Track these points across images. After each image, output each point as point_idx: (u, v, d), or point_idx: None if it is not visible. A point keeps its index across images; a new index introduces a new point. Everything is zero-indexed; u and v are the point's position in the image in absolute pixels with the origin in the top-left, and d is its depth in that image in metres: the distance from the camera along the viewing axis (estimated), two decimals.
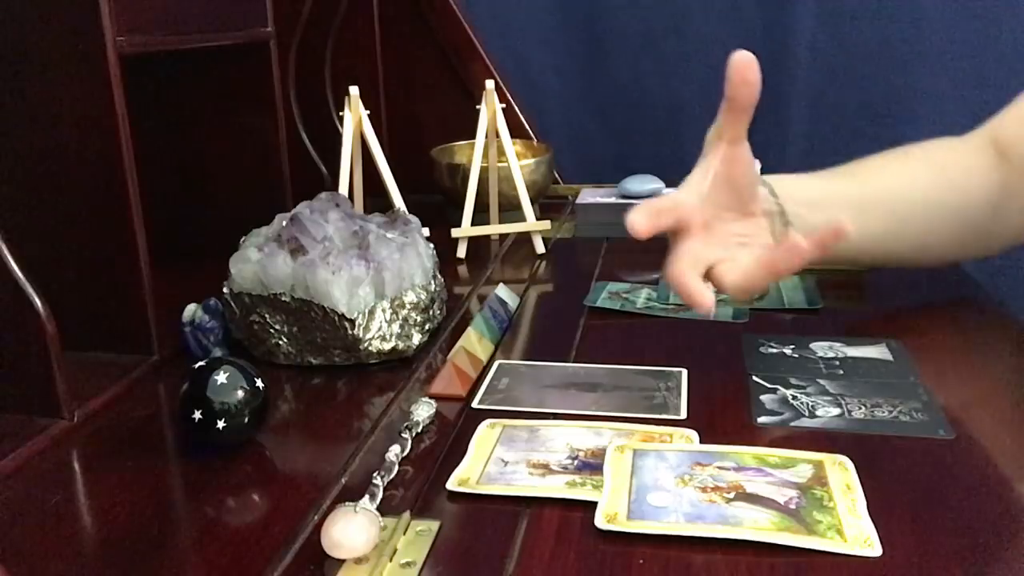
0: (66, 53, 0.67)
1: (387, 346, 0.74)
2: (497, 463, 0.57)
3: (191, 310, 0.76)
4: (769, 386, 0.68)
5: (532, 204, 1.08)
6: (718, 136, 0.68)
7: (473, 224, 1.04)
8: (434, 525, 0.51)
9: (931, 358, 0.73)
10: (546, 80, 1.47)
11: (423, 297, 0.77)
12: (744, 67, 0.64)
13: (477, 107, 1.03)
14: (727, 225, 0.68)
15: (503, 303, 0.85)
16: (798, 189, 0.74)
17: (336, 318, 0.71)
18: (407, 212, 0.86)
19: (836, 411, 0.64)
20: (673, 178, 1.19)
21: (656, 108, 1.44)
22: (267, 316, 0.74)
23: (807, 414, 0.63)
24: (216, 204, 0.98)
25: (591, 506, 0.52)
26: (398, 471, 0.56)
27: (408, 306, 0.75)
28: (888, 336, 0.77)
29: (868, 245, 0.78)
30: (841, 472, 0.55)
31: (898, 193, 0.80)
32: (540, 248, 1.06)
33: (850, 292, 0.92)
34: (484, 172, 1.05)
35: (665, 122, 1.44)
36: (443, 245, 0.93)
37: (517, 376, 0.72)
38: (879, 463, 0.57)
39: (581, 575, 0.47)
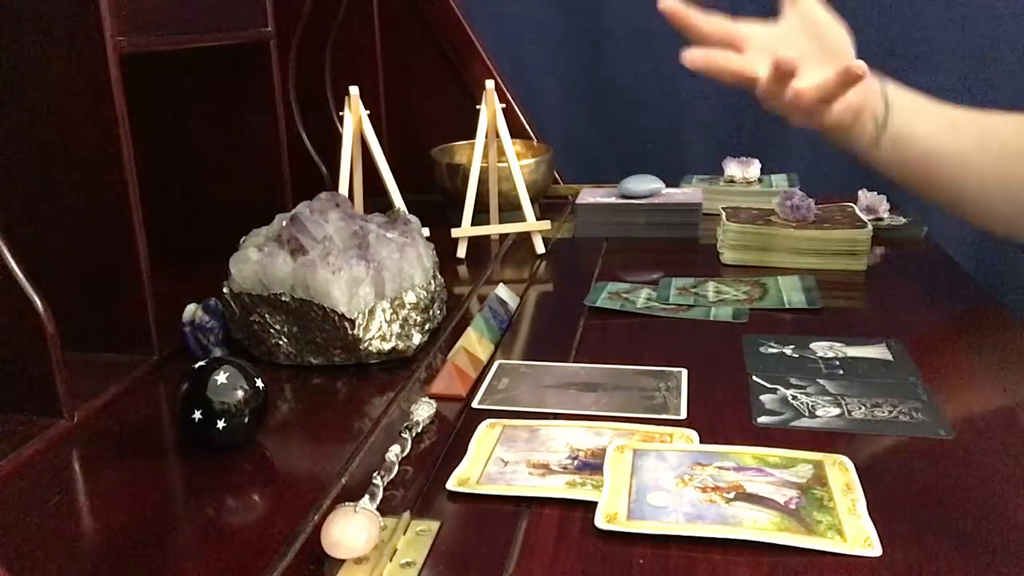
0: (66, 53, 0.67)
1: (387, 346, 0.74)
2: (497, 463, 0.57)
3: (191, 310, 0.76)
4: (769, 386, 0.68)
5: (532, 204, 1.08)
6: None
7: (473, 224, 1.04)
8: (434, 525, 0.51)
9: (931, 358, 0.73)
10: (546, 80, 1.47)
11: (423, 297, 0.77)
12: None
13: (477, 107, 1.03)
14: (808, 67, 0.75)
15: (503, 303, 0.85)
16: (906, 96, 0.82)
17: (336, 318, 0.71)
18: (407, 212, 0.86)
19: (836, 411, 0.64)
20: (673, 178, 1.20)
21: (656, 108, 1.44)
22: (267, 316, 0.74)
23: (807, 414, 0.63)
24: (216, 204, 0.98)
25: (591, 506, 0.52)
26: (398, 471, 0.56)
27: (408, 306, 0.75)
28: (888, 336, 0.77)
29: (957, 164, 0.80)
30: (841, 472, 0.55)
31: (995, 129, 0.81)
32: (540, 248, 1.06)
33: (850, 292, 0.92)
34: (484, 172, 1.05)
35: (665, 122, 1.44)
36: (443, 245, 0.93)
37: (517, 376, 0.72)
38: (879, 463, 0.57)
39: (581, 575, 0.47)
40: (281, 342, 0.74)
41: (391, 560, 0.48)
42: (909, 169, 0.82)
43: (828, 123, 0.78)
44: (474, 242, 1.06)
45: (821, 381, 0.69)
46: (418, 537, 0.50)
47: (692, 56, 0.72)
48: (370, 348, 0.73)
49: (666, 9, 0.73)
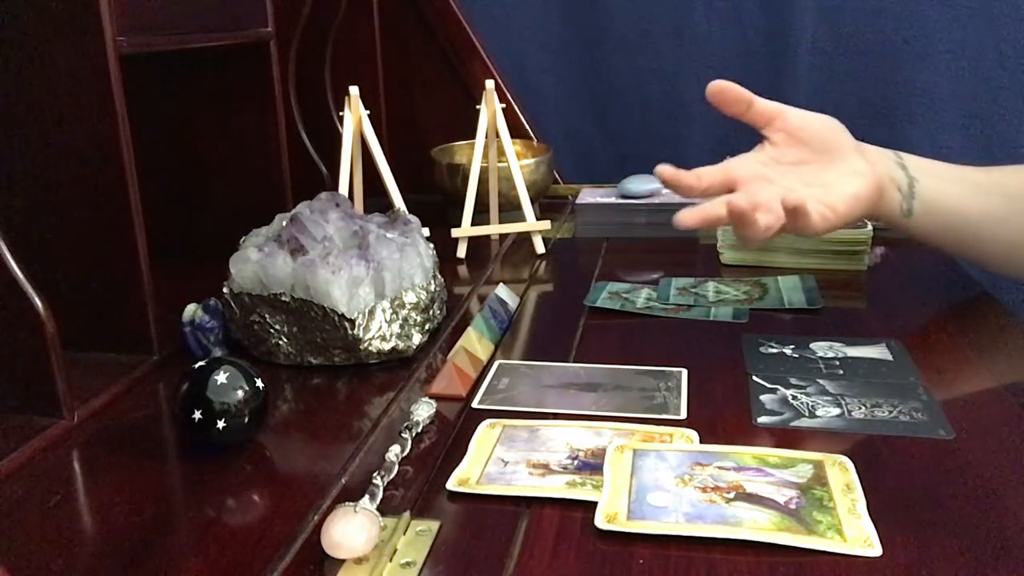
0: (66, 53, 0.67)
1: (387, 346, 0.74)
2: (497, 463, 0.57)
3: (191, 310, 0.76)
4: (769, 386, 0.68)
5: (532, 204, 1.08)
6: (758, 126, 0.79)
7: (473, 224, 1.04)
8: (434, 525, 0.51)
9: (931, 358, 0.73)
10: (545, 80, 1.47)
11: (423, 297, 0.77)
12: (716, 95, 0.76)
13: (477, 107, 1.03)
14: (807, 174, 0.76)
15: (503, 303, 0.85)
16: (925, 162, 0.82)
17: (336, 318, 0.71)
18: (407, 212, 0.86)
19: (836, 411, 0.64)
20: None
21: (656, 108, 1.44)
22: (267, 316, 0.74)
23: (807, 414, 0.63)
24: (216, 204, 0.98)
25: (591, 506, 0.52)
26: (398, 471, 0.56)
27: (408, 306, 0.75)
28: (888, 336, 0.77)
29: (987, 225, 0.80)
30: (841, 472, 0.55)
31: (1020, 187, 0.81)
32: (540, 248, 1.06)
33: (850, 292, 0.92)
34: (484, 172, 1.05)
35: (665, 122, 1.44)
36: (443, 245, 0.93)
37: (517, 376, 0.72)
38: (879, 463, 0.57)
39: (581, 575, 0.47)
40: (281, 342, 0.74)
41: (391, 560, 0.48)
42: (948, 234, 0.82)
43: (825, 230, 0.76)
44: (474, 242, 1.06)
45: (821, 381, 0.69)
46: (418, 537, 0.50)
47: (685, 218, 0.71)
48: (370, 348, 0.73)
49: (663, 176, 0.73)
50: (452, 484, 0.55)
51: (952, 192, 0.80)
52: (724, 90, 0.76)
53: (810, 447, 0.58)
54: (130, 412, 0.67)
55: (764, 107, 0.78)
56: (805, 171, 0.76)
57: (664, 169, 0.73)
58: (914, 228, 0.82)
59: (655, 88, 1.43)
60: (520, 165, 1.05)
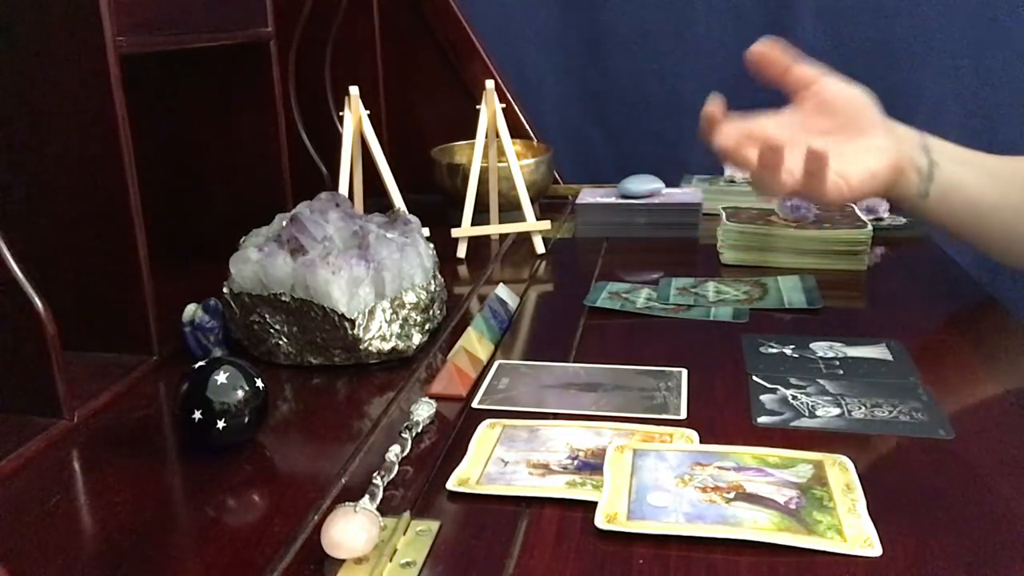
0: (66, 53, 0.67)
1: (387, 346, 0.74)
2: (497, 463, 0.57)
3: (191, 310, 0.76)
4: (769, 386, 0.68)
5: (532, 204, 1.08)
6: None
7: (473, 224, 1.04)
8: (434, 525, 0.51)
9: (931, 358, 0.73)
10: (545, 80, 1.47)
11: (423, 297, 0.77)
12: (758, 55, 0.78)
13: (477, 107, 1.03)
14: (830, 144, 0.76)
15: (503, 303, 0.85)
16: (947, 146, 0.82)
17: (336, 318, 0.71)
18: (407, 212, 0.86)
19: (836, 411, 0.64)
20: (673, 178, 1.20)
21: (656, 108, 1.44)
22: (267, 316, 0.74)
23: (807, 414, 0.63)
24: (216, 204, 0.98)
25: (591, 506, 0.52)
26: (398, 471, 0.56)
27: (408, 306, 0.75)
28: (888, 336, 0.77)
29: (999, 212, 0.80)
30: (841, 472, 0.55)
31: None
32: (540, 248, 1.06)
33: (850, 292, 0.92)
34: (484, 172, 1.05)
35: (665, 122, 1.44)
36: (443, 245, 0.93)
37: (517, 376, 0.72)
38: (879, 463, 0.57)
39: (581, 575, 0.47)
40: (281, 342, 0.74)
41: (391, 560, 0.48)
42: (959, 220, 0.82)
43: (837, 199, 0.77)
44: (474, 242, 1.06)
45: (821, 381, 0.69)
46: (418, 537, 0.50)
47: (719, 137, 0.74)
48: (370, 348, 0.73)
49: (710, 110, 0.75)
50: (452, 484, 0.55)
51: (969, 178, 0.81)
52: (767, 51, 0.78)
53: (810, 447, 0.58)
54: (130, 412, 0.67)
55: (802, 72, 0.79)
56: (828, 141, 0.76)
57: (713, 107, 0.75)
58: (928, 210, 0.82)
59: (655, 88, 1.44)
60: (520, 165, 1.05)
